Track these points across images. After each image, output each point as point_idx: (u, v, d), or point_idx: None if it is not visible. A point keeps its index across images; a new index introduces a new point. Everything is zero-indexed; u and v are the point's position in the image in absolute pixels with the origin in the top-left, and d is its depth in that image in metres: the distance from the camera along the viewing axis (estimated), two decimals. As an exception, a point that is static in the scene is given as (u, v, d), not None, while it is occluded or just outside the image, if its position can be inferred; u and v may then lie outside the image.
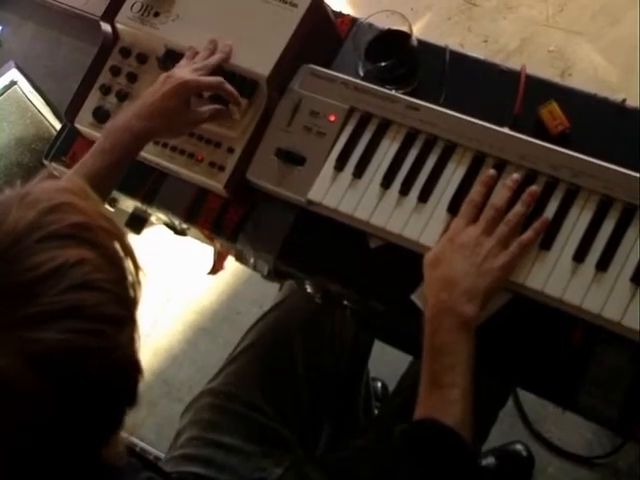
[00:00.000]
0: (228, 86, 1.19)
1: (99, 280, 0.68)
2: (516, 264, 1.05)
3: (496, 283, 1.03)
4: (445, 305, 1.00)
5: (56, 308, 0.65)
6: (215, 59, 1.21)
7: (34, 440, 0.66)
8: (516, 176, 1.10)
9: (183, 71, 1.18)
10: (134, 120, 1.14)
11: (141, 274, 0.75)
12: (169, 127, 1.19)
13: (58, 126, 2.19)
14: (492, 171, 1.11)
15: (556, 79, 1.28)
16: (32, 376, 0.64)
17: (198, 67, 1.19)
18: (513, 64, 1.26)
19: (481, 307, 1.01)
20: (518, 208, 1.07)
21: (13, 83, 2.23)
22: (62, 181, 0.76)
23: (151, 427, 2.11)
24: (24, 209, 0.68)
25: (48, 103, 2.30)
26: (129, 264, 0.74)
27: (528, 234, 1.05)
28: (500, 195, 1.08)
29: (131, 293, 0.73)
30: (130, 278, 0.74)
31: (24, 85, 2.25)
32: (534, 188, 1.08)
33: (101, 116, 1.31)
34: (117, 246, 0.73)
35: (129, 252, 0.75)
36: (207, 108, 1.20)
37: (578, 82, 2.12)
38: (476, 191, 1.10)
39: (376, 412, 1.64)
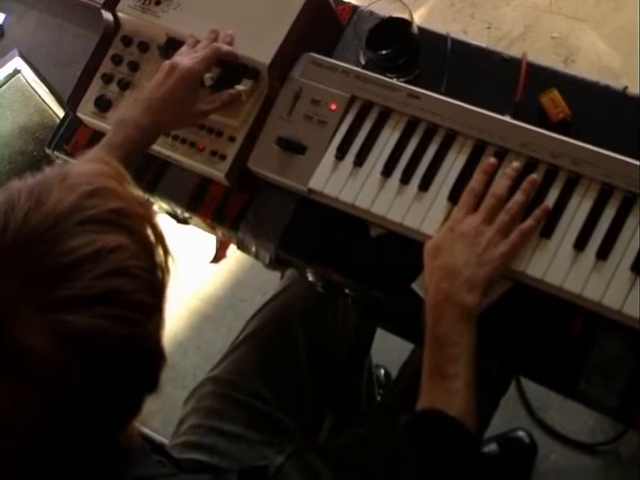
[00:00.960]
0: (225, 47, 1.20)
1: (134, 267, 0.69)
2: (517, 252, 1.05)
3: (497, 272, 1.03)
4: (446, 295, 1.00)
5: (91, 292, 0.66)
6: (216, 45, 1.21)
7: (60, 420, 0.68)
8: (516, 164, 1.09)
9: (185, 59, 1.18)
10: (143, 115, 1.14)
11: (170, 260, 0.76)
12: (179, 119, 1.19)
13: (62, 114, 2.19)
14: (493, 159, 1.11)
15: (559, 66, 1.28)
16: (64, 357, 0.65)
17: (198, 55, 1.19)
18: (516, 50, 1.26)
19: (482, 296, 1.01)
20: (518, 197, 1.06)
21: (17, 72, 2.24)
22: (100, 164, 0.76)
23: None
24: (65, 191, 0.69)
25: (52, 91, 2.31)
26: (159, 250, 0.75)
27: (528, 222, 1.05)
28: (500, 184, 1.08)
29: (160, 279, 0.74)
30: (160, 264, 0.74)
31: (28, 74, 2.25)
32: (534, 176, 1.08)
33: (103, 105, 1.31)
34: (149, 231, 0.74)
35: (160, 238, 0.76)
36: (216, 96, 1.21)
37: (582, 69, 2.11)
38: (476, 179, 1.10)
39: (379, 399, 1.65)
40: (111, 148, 1.12)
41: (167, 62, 1.18)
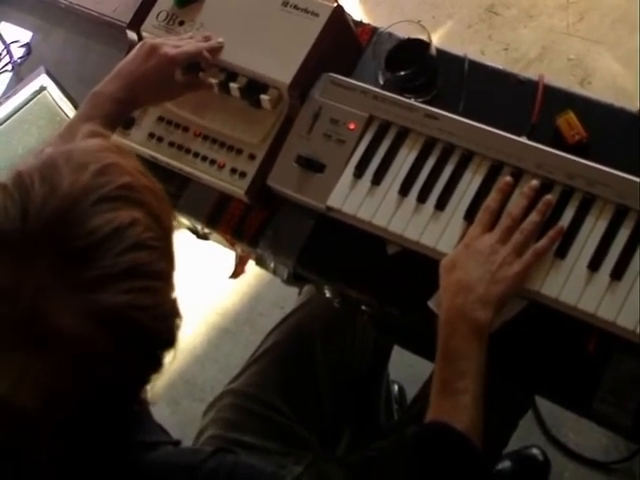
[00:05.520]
0: (206, 53, 1.24)
1: (149, 239, 0.73)
2: (530, 272, 1.06)
3: (510, 290, 1.04)
4: (459, 310, 1.01)
5: (116, 270, 0.69)
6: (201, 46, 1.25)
7: (91, 387, 0.72)
8: (534, 183, 1.10)
9: (168, 47, 1.22)
10: (120, 90, 1.18)
11: (175, 224, 0.80)
12: (152, 99, 1.26)
13: (85, 130, 2.23)
14: (509, 178, 1.12)
15: (575, 87, 1.29)
16: (95, 333, 0.69)
17: (182, 48, 1.23)
18: (533, 72, 1.27)
19: (494, 313, 1.02)
20: (533, 217, 1.07)
21: (43, 89, 2.28)
22: (99, 139, 0.79)
23: (174, 426, 2.12)
24: (75, 172, 0.72)
25: (77, 108, 2.34)
26: (166, 215, 0.78)
27: (543, 242, 1.06)
28: (516, 203, 1.09)
29: (173, 246, 0.78)
30: (168, 228, 0.78)
31: (53, 91, 2.29)
32: (549, 197, 1.09)
33: (125, 123, 1.34)
34: (155, 200, 0.77)
35: (164, 203, 0.79)
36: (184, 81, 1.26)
37: (597, 90, 2.12)
38: (493, 198, 1.11)
39: (395, 415, 1.65)
40: (87, 120, 1.14)
41: (148, 41, 1.23)
